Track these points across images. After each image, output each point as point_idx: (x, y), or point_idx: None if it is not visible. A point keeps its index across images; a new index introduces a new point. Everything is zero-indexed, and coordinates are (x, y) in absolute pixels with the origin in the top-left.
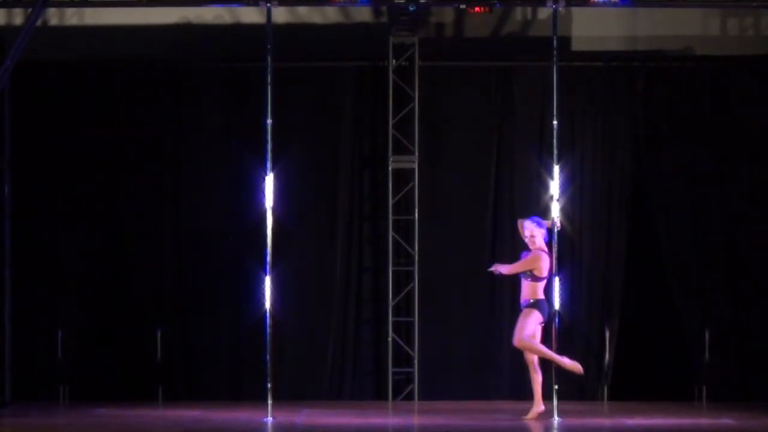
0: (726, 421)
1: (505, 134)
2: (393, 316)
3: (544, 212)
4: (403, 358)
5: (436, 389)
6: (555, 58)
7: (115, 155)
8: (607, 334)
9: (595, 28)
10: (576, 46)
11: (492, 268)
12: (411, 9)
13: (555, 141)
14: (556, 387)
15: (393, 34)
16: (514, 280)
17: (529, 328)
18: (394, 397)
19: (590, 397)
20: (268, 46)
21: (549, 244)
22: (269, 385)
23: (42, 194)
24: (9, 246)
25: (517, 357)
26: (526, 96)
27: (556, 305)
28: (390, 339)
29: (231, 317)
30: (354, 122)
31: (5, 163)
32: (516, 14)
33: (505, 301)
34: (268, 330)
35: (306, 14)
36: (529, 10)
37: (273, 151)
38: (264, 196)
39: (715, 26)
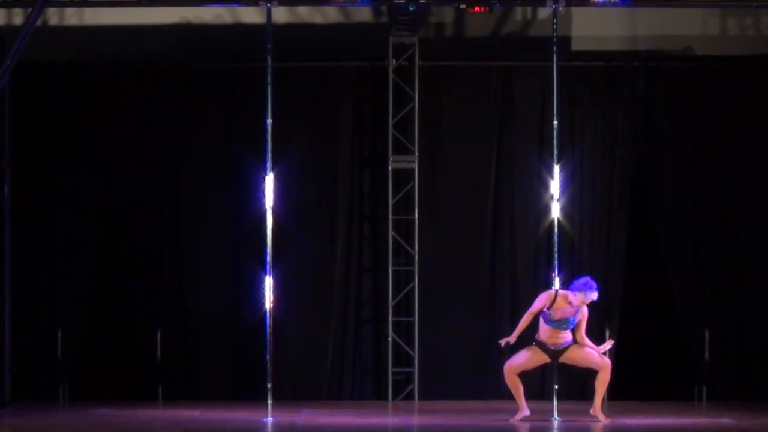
0: (726, 420)
1: (505, 134)
2: (393, 316)
3: (544, 211)
4: (403, 358)
5: (436, 389)
6: (555, 58)
7: (114, 155)
8: (607, 334)
9: (595, 28)
10: (576, 46)
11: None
12: (411, 9)
13: (555, 141)
14: (556, 387)
15: (393, 34)
16: (515, 281)
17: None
18: (394, 397)
19: (590, 397)
20: (268, 46)
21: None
22: (269, 385)
23: (42, 194)
24: (9, 246)
25: None
26: (526, 96)
27: None
28: (390, 339)
29: (231, 317)
30: (354, 122)
31: (5, 163)
32: (516, 14)
33: (506, 302)
34: (268, 330)
35: (306, 14)
36: (529, 10)
37: (273, 151)
38: (264, 196)
39: (715, 26)
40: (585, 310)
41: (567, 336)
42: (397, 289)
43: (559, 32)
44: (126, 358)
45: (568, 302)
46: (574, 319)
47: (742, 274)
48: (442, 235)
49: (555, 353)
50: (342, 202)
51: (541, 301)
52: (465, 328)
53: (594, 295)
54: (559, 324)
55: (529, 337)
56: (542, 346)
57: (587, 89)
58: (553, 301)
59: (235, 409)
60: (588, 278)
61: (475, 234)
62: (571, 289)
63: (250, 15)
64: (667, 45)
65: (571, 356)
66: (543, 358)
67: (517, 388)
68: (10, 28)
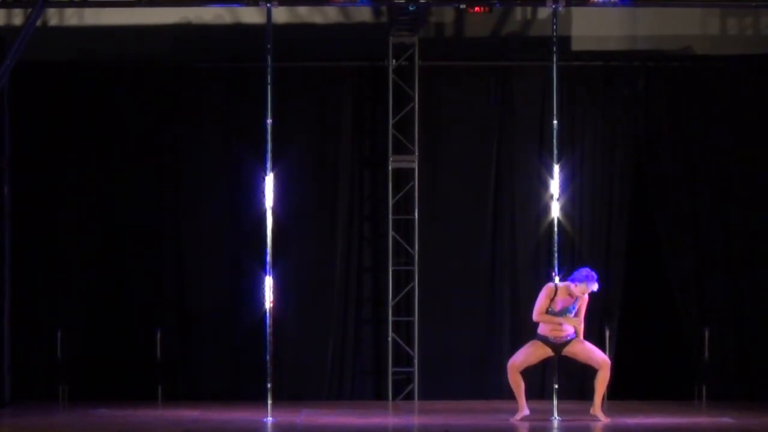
0: (726, 420)
1: (505, 134)
2: (393, 316)
3: (544, 211)
4: (403, 358)
5: (436, 389)
6: (555, 58)
7: (115, 155)
8: (607, 334)
9: (595, 28)
10: (576, 46)
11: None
12: (411, 9)
13: (555, 141)
14: (556, 387)
15: (393, 34)
16: (515, 281)
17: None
18: (394, 397)
19: (590, 397)
20: (268, 46)
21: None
22: (269, 385)
23: (42, 194)
24: (9, 246)
25: None
26: (526, 96)
27: None
28: (390, 339)
29: (231, 317)
30: (354, 122)
31: (5, 163)
32: (516, 14)
33: (505, 301)
34: (268, 330)
35: (306, 14)
36: (529, 10)
37: (273, 151)
38: (264, 196)
39: (714, 26)
40: (585, 296)
41: (568, 328)
42: (397, 289)
43: (559, 32)
44: (126, 358)
45: (568, 293)
46: (573, 307)
47: (742, 274)
48: (442, 235)
49: (557, 347)
50: (342, 202)
51: (543, 297)
52: (465, 327)
53: (595, 286)
54: (560, 313)
55: (531, 333)
56: (545, 340)
57: (587, 89)
58: (554, 295)
59: (235, 409)
60: (588, 270)
61: (475, 234)
62: (572, 281)
63: (250, 15)
64: (667, 45)
65: (573, 350)
66: (546, 352)
67: (519, 387)
68: (10, 28)
